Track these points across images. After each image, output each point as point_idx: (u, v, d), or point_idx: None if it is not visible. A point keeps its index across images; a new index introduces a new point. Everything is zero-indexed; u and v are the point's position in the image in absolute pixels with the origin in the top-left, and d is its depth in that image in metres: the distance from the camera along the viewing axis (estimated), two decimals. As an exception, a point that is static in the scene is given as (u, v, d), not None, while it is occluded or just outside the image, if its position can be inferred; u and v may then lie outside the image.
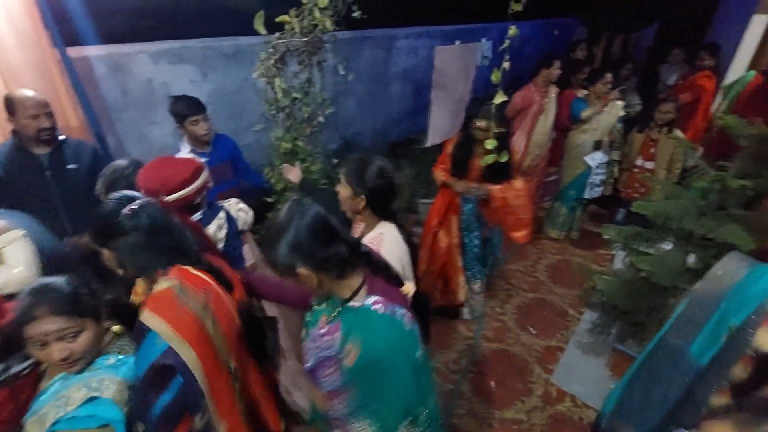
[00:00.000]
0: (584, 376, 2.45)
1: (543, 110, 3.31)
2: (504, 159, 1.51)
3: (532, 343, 2.69)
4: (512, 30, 1.48)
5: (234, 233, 1.55)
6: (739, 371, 1.04)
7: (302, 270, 0.92)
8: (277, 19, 1.79)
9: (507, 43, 1.50)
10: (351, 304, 0.98)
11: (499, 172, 2.27)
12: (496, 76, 1.48)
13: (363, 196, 1.36)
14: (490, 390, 2.38)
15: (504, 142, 2.11)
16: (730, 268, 1.12)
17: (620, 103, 3.24)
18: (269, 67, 1.91)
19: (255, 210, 2.48)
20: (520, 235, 2.47)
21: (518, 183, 2.35)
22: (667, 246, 2.10)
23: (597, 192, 3.43)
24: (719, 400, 1.08)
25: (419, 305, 1.15)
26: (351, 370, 0.94)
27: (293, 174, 2.11)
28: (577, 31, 6.10)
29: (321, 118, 2.24)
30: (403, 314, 0.99)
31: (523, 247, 3.66)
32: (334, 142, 4.22)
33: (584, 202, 3.59)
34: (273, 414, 1.19)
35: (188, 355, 0.95)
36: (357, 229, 1.61)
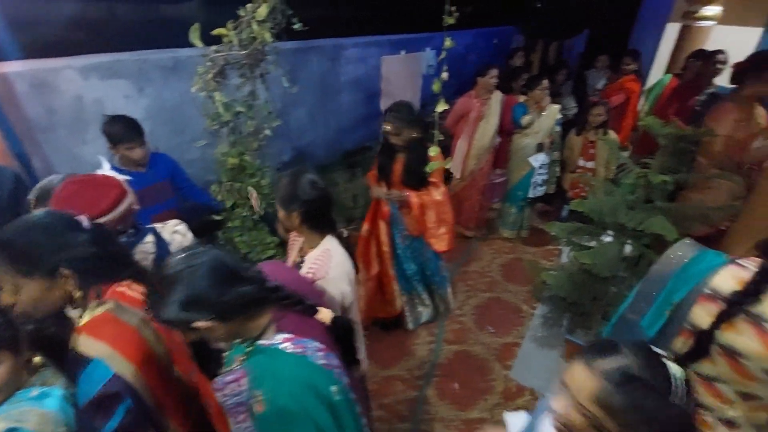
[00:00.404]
0: (541, 368, 2.55)
1: (483, 116, 3.44)
2: (448, 165, 1.55)
3: (490, 342, 2.76)
4: (448, 42, 1.53)
5: (164, 258, 1.44)
6: (680, 344, 1.18)
7: (201, 324, 0.85)
8: (213, 32, 1.73)
9: (443, 54, 1.56)
10: (260, 342, 0.94)
11: (417, 179, 2.25)
12: (436, 86, 1.53)
13: (296, 212, 1.33)
14: (454, 392, 2.41)
15: (423, 152, 2.09)
16: (679, 252, 1.23)
17: (556, 106, 3.45)
18: (208, 81, 1.84)
19: (203, 229, 2.38)
20: (438, 244, 2.43)
21: (437, 192, 2.32)
22: (607, 239, 2.26)
23: (540, 191, 3.63)
24: None
25: (341, 330, 1.13)
26: (261, 418, 0.89)
27: (254, 201, 2.06)
28: (516, 39, 6.43)
29: (268, 131, 2.19)
30: (316, 349, 0.97)
31: (479, 249, 3.79)
32: (287, 154, 4.15)
33: (531, 201, 3.77)
34: (226, 427, 1.15)
35: (131, 371, 0.92)
36: (294, 247, 1.58)
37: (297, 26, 1.81)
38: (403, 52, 3.03)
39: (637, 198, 1.92)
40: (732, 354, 1.08)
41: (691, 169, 2.50)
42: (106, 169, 1.40)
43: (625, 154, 4.55)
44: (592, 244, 2.24)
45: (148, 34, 3.02)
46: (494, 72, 3.32)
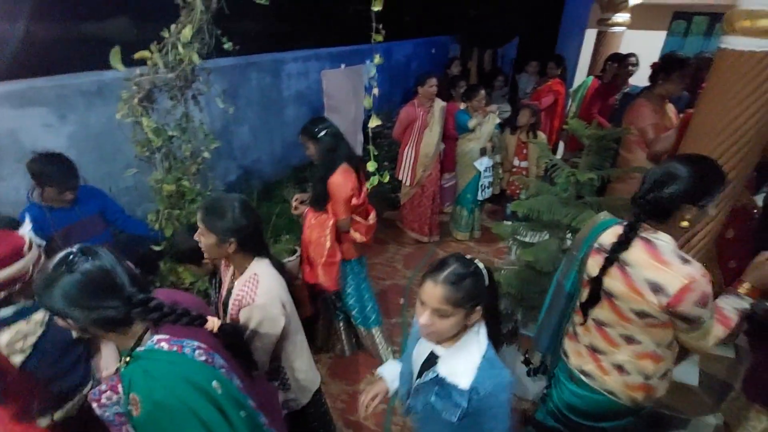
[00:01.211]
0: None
1: (427, 124, 3.55)
2: (385, 180, 1.57)
3: (451, 344, 2.82)
4: (377, 59, 1.57)
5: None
6: (584, 295, 1.39)
7: (70, 322, 0.89)
8: (136, 56, 1.64)
9: (373, 71, 1.58)
10: (137, 350, 0.95)
11: (315, 197, 2.11)
12: (367, 102, 1.55)
13: (232, 240, 1.28)
14: (420, 399, 2.43)
15: (324, 170, 2.02)
16: (595, 220, 1.47)
17: (496, 112, 3.63)
18: (134, 106, 1.74)
19: (143, 261, 2.24)
20: (323, 277, 2.16)
21: (321, 217, 2.12)
22: (547, 235, 2.39)
23: (487, 193, 3.80)
24: (577, 318, 1.46)
25: (228, 336, 1.11)
26: (139, 420, 0.88)
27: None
28: (452, 48, 6.71)
29: (206, 154, 2.11)
30: (195, 347, 0.98)
31: (436, 254, 3.86)
32: (232, 174, 4.02)
33: (481, 202, 3.92)
34: None
35: None
36: (226, 275, 1.51)
37: (227, 45, 1.77)
38: (343, 66, 3.05)
39: (569, 195, 2.05)
40: (610, 297, 1.31)
41: (615, 163, 2.73)
42: (26, 224, 1.25)
43: (560, 150, 4.94)
44: (536, 240, 2.36)
45: (68, 56, 2.82)
46: (433, 81, 3.43)
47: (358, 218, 2.20)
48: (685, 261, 1.17)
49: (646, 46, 5.25)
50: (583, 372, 1.44)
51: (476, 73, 6.01)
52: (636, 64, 3.66)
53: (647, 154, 2.55)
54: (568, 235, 2.24)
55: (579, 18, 5.93)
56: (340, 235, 2.20)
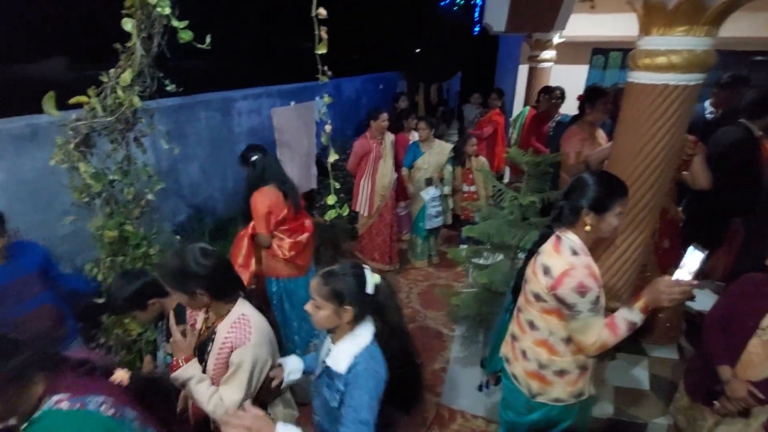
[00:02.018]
0: (467, 389, 2.64)
1: (381, 155, 3.66)
2: (345, 213, 1.60)
3: (418, 373, 2.79)
4: (326, 98, 1.62)
5: None
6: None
7: None
8: (71, 101, 1.58)
9: (323, 111, 1.64)
10: (33, 416, 0.89)
11: (243, 214, 2.33)
12: (324, 139, 1.59)
13: (202, 290, 1.24)
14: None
15: (248, 188, 2.25)
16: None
17: (449, 144, 3.82)
18: (69, 151, 1.66)
19: (86, 315, 2.06)
20: None
21: (244, 229, 2.32)
22: (500, 256, 2.50)
23: (436, 222, 3.90)
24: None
25: (142, 387, 1.07)
26: None
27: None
28: (400, 84, 7.04)
29: (150, 196, 2.03)
30: (101, 402, 0.94)
31: (397, 281, 3.87)
32: (182, 213, 3.86)
33: (433, 229, 4.02)
34: None
35: None
36: (195, 317, 1.46)
37: (170, 87, 1.75)
38: (293, 103, 3.10)
39: (515, 218, 2.18)
40: (525, 282, 1.49)
41: (556, 185, 2.94)
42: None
43: (506, 176, 5.25)
44: (489, 262, 2.46)
45: (-4, 100, 2.64)
46: (385, 115, 3.58)
47: (280, 235, 2.35)
48: (574, 253, 1.33)
49: (572, 79, 5.80)
50: (506, 358, 1.60)
51: (423, 105, 6.32)
52: (560, 97, 4.06)
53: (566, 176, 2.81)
54: (520, 255, 2.36)
55: (512, 54, 6.49)
56: (262, 251, 2.38)
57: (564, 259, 1.32)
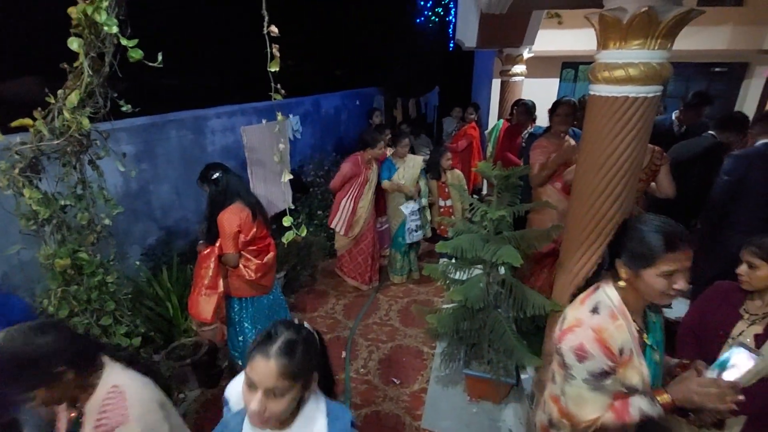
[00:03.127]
0: (448, 409, 2.57)
1: (368, 180, 3.62)
2: (303, 233, 1.54)
3: (398, 395, 2.71)
4: (280, 117, 1.58)
5: None
6: None
7: None
8: (13, 124, 1.50)
9: (278, 127, 1.59)
10: None
11: (207, 231, 2.31)
12: (277, 157, 1.53)
13: (63, 374, 1.04)
14: (368, 461, 2.27)
15: (212, 208, 2.23)
16: None
17: (420, 157, 3.81)
18: (14, 177, 1.56)
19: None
20: (190, 303, 2.31)
21: (209, 249, 2.27)
22: (476, 271, 2.46)
23: (416, 236, 3.86)
24: None
25: None
26: None
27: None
28: (376, 99, 7.09)
29: (107, 221, 1.93)
30: None
31: (376, 299, 3.80)
32: (152, 236, 3.73)
33: (414, 244, 3.98)
34: None
35: None
36: (61, 420, 1.17)
37: (125, 108, 1.68)
38: (264, 121, 3.04)
39: (488, 232, 2.15)
40: None
41: (531, 198, 2.95)
42: None
43: (484, 188, 5.28)
44: (464, 277, 2.42)
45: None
46: (382, 144, 3.54)
47: (248, 255, 2.31)
48: (594, 310, 1.12)
49: (543, 92, 5.96)
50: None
51: (402, 120, 6.36)
52: (531, 108, 4.15)
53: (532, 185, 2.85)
54: (502, 270, 2.32)
55: (487, 69, 6.63)
56: (227, 270, 2.33)
57: (579, 313, 1.13)
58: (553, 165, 2.72)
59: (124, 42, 1.44)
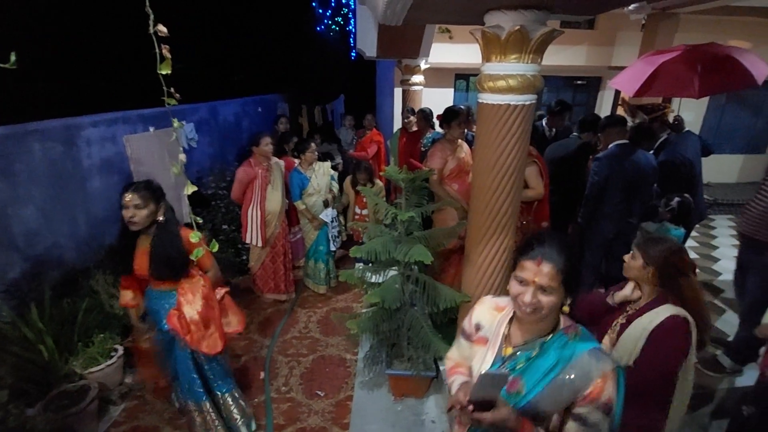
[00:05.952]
0: (374, 412, 2.58)
1: (269, 182, 3.49)
2: (214, 249, 1.41)
3: (323, 408, 2.64)
4: (176, 123, 1.45)
5: None
6: None
7: None
8: None
9: (174, 136, 1.46)
10: None
11: (170, 267, 1.88)
12: (176, 169, 1.40)
13: None
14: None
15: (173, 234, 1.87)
16: None
17: (327, 163, 3.80)
18: None
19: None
20: (209, 346, 2.00)
21: (191, 280, 1.99)
22: (392, 273, 2.53)
23: (338, 243, 3.90)
24: None
25: None
26: None
27: None
28: (280, 106, 6.91)
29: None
30: None
31: (294, 312, 3.67)
32: (15, 268, 3.09)
33: (333, 252, 3.96)
34: None
35: None
36: None
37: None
38: (152, 129, 2.74)
39: (400, 233, 2.23)
40: None
41: (432, 198, 3.13)
42: None
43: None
44: (380, 280, 2.47)
45: None
46: (268, 139, 3.42)
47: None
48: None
49: (440, 100, 6.42)
50: None
51: (308, 127, 6.28)
52: (428, 115, 4.46)
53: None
54: (416, 270, 2.41)
55: (388, 79, 6.92)
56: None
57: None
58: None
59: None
